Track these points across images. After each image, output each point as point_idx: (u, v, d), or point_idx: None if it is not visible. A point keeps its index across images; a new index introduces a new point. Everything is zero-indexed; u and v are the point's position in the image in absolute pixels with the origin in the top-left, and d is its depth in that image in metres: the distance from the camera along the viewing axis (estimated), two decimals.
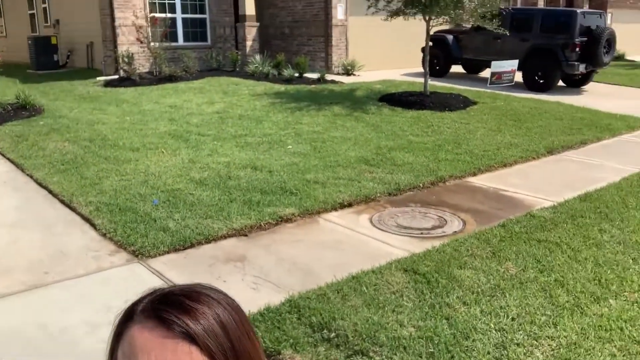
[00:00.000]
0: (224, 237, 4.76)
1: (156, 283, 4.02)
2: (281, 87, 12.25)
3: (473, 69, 15.84)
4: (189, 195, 5.62)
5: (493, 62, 12.77)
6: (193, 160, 6.84)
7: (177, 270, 4.22)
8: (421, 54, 13.19)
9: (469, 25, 13.30)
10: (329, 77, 13.97)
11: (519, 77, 13.48)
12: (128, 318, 0.78)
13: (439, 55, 15.05)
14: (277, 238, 4.83)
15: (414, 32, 12.93)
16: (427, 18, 10.50)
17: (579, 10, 13.25)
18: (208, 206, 5.30)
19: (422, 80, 11.43)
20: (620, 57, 21.88)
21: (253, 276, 4.10)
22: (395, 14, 10.45)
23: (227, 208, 5.25)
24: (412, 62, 15.71)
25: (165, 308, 0.76)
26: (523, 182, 6.58)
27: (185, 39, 15.72)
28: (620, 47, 21.40)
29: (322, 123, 9.08)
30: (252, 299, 3.68)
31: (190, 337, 0.74)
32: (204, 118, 9.23)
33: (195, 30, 15.91)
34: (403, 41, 15.73)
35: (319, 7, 15.57)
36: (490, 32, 11.50)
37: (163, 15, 14.70)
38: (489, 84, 12.57)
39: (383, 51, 16.27)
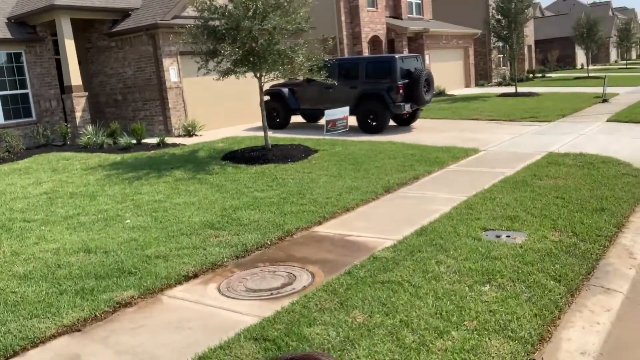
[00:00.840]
0: (54, 336, 4.25)
1: None
2: (117, 157, 11.67)
3: (311, 117, 16.42)
4: (10, 294, 5.00)
5: (326, 111, 13.31)
6: (16, 252, 6.15)
7: None
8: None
9: (302, 78, 13.81)
10: (169, 140, 13.63)
11: (354, 121, 14.19)
12: None
13: (277, 108, 15.42)
14: (116, 327, 4.42)
15: (251, 87, 13.13)
16: (258, 75, 10.71)
17: (397, 55, 14.36)
18: (33, 303, 4.74)
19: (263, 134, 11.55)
20: (441, 93, 24.08)
21: None
22: (226, 73, 10.53)
23: (56, 302, 4.73)
24: (253, 117, 15.88)
25: None
26: (366, 224, 6.79)
27: (7, 117, 14.56)
28: (440, 83, 23.64)
29: (164, 190, 8.73)
30: None
31: None
32: (30, 201, 8.44)
33: (17, 106, 14.81)
34: (242, 97, 15.92)
35: (151, 71, 15.26)
36: (321, 82, 12.03)
37: None
38: (326, 132, 13.05)
39: (224, 109, 16.30)
